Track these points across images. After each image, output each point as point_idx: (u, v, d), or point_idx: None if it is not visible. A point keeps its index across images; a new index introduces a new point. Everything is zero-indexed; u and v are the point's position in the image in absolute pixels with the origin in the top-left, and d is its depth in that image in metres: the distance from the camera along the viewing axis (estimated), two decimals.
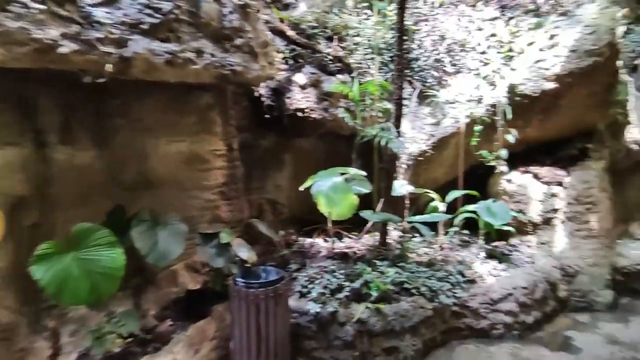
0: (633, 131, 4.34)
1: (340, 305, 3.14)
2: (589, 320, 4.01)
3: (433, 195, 4.26)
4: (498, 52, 4.16)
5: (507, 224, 4.30)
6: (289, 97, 3.88)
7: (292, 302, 3.22)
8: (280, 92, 3.89)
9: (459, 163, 4.39)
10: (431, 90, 4.22)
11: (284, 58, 3.98)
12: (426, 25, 4.52)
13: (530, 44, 4.04)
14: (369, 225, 4.28)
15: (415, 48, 4.41)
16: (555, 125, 4.22)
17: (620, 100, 4.00)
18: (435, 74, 4.28)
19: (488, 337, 3.62)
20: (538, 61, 3.92)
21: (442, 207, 4.21)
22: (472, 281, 3.73)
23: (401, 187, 4.24)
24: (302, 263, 3.80)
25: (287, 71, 3.96)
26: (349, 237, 4.46)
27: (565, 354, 3.42)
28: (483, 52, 4.23)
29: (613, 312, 4.16)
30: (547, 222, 4.27)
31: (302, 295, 3.29)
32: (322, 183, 3.15)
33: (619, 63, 4.02)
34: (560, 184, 4.22)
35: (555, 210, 4.23)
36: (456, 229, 4.36)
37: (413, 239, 4.37)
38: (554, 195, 4.21)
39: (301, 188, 3.39)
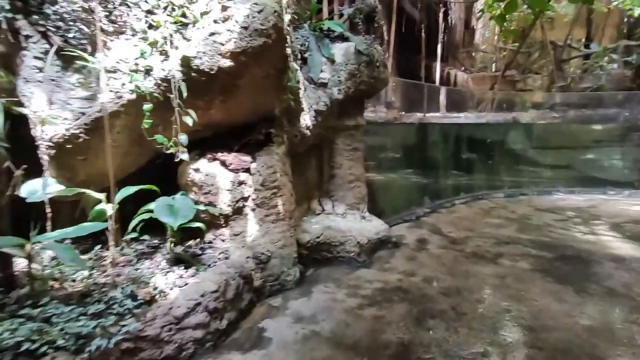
0: (305, 118, 4.73)
1: None
2: (281, 302, 4.08)
3: (96, 195, 3.14)
4: (169, 16, 3.44)
5: (198, 219, 3.77)
6: None
7: None
8: None
9: (133, 150, 3.46)
10: (79, 52, 3.02)
11: None
12: None
13: (205, 13, 3.53)
14: None
15: None
16: (238, 108, 3.98)
17: (292, 87, 4.18)
18: (86, 29, 3.10)
19: None
20: (213, 34, 3.46)
21: (110, 209, 3.16)
22: (149, 302, 2.92)
23: (42, 188, 2.87)
24: None
25: None
26: None
27: (256, 352, 3.21)
28: (150, 12, 3.40)
29: (300, 287, 4.43)
30: (239, 211, 4.03)
31: None
32: None
33: (289, 50, 4.15)
34: (247, 170, 4.04)
35: (245, 199, 4.04)
36: (134, 235, 3.44)
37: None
38: (242, 182, 4.00)
39: None
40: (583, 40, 14.83)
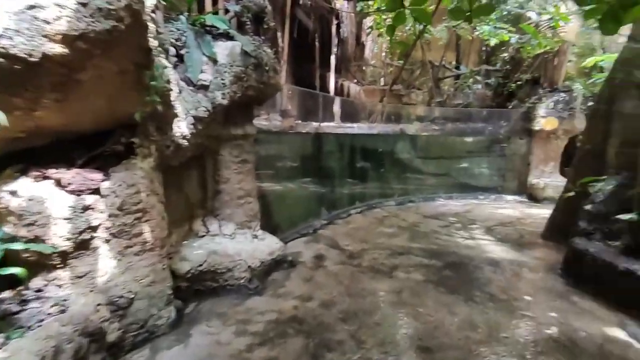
0: (181, 125, 3.95)
1: None
2: (148, 356, 3.23)
3: None
4: None
5: (16, 263, 2.72)
6: None
7: None
8: None
9: None
10: None
11: None
12: None
13: None
14: None
15: None
16: (84, 111, 3.04)
17: (159, 87, 3.39)
18: None
19: None
20: (33, 7, 2.51)
21: None
22: None
23: None
24: None
25: None
26: None
27: None
28: None
29: (177, 330, 3.63)
30: (84, 245, 3.06)
31: None
32: None
33: (154, 42, 3.38)
34: (96, 191, 3.11)
35: (93, 228, 3.09)
36: None
37: None
38: (88, 208, 3.05)
39: None
40: (454, 62, 16.78)
